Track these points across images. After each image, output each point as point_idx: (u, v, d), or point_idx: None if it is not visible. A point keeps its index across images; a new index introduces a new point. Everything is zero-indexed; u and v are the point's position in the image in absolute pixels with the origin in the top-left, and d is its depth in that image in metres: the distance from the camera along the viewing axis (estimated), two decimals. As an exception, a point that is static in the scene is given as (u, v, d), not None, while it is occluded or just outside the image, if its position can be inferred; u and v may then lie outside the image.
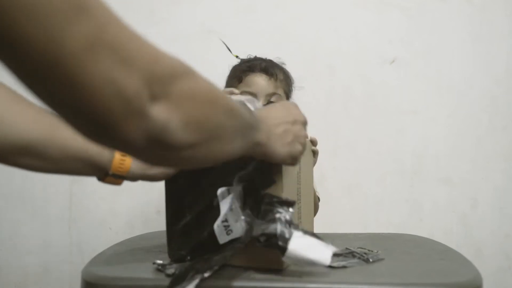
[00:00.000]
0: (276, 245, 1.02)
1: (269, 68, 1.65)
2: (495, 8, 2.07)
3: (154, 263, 1.16)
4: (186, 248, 1.16)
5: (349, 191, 2.10)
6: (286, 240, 1.01)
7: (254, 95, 1.60)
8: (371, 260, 1.21)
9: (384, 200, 2.09)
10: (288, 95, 1.73)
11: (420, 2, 2.08)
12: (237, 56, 1.78)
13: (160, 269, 1.13)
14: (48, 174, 1.04)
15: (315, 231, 1.48)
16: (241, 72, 1.67)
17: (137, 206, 2.10)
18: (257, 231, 1.03)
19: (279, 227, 1.02)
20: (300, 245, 1.01)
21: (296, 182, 1.23)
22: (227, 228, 1.09)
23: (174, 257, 1.20)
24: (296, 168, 1.22)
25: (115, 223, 2.11)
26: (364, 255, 1.24)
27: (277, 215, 1.03)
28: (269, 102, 1.62)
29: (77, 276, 2.06)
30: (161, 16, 2.09)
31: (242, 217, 1.07)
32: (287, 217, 1.04)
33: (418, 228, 2.01)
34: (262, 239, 1.03)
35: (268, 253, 1.06)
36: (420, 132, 2.09)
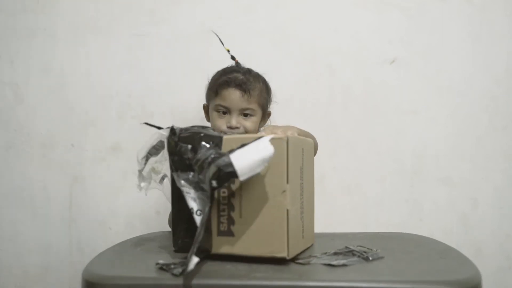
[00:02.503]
0: (226, 176, 1.10)
1: (244, 83, 1.70)
2: (495, 8, 2.07)
3: (157, 264, 1.16)
4: (190, 236, 1.20)
5: (349, 191, 2.10)
6: (229, 164, 1.09)
7: (228, 109, 1.70)
8: (370, 258, 1.21)
9: (384, 200, 2.09)
10: (264, 107, 1.78)
11: (420, 2, 2.08)
12: (228, 50, 1.81)
13: (165, 268, 1.14)
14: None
15: (316, 230, 1.49)
16: (218, 86, 1.73)
17: (137, 206, 2.10)
18: (206, 182, 1.12)
19: (216, 162, 1.11)
20: (242, 158, 1.10)
21: (299, 177, 1.26)
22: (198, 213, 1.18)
23: (178, 246, 1.27)
24: (299, 163, 1.25)
25: (115, 223, 2.11)
26: (363, 253, 1.24)
27: (210, 158, 1.14)
28: (244, 115, 1.70)
29: (77, 276, 2.07)
30: (161, 16, 2.09)
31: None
32: (218, 152, 1.15)
33: (418, 228, 2.02)
34: (214, 183, 1.11)
35: (261, 241, 1.15)
36: (420, 132, 2.09)
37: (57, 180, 2.10)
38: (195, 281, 1.09)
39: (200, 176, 1.17)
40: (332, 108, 2.09)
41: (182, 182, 1.21)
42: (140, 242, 1.48)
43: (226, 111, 1.70)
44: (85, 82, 2.09)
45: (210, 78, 1.79)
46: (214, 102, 1.73)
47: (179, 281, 1.09)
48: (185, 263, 1.09)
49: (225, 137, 1.23)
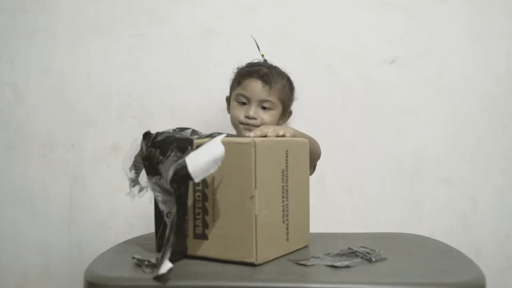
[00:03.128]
0: (182, 179, 1.12)
1: (266, 75, 1.71)
2: (495, 8, 2.07)
3: (133, 258, 1.19)
4: (163, 237, 1.22)
5: (349, 191, 2.10)
6: (184, 167, 1.10)
7: (248, 98, 1.71)
8: (373, 259, 1.21)
9: (384, 200, 2.09)
10: (285, 104, 1.78)
11: (420, 2, 2.08)
12: (263, 55, 1.83)
13: (139, 264, 1.17)
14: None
15: (316, 230, 1.49)
16: (241, 75, 1.75)
17: (137, 206, 2.09)
18: (167, 186, 1.15)
19: (174, 166, 1.13)
20: (195, 160, 1.11)
21: (280, 180, 1.25)
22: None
23: (158, 246, 1.31)
24: (281, 166, 1.26)
25: (115, 223, 2.11)
26: (366, 254, 1.24)
27: (171, 162, 1.17)
28: (263, 108, 1.71)
29: (77, 276, 2.08)
30: (161, 16, 2.09)
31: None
32: (177, 155, 1.18)
33: (418, 228, 2.02)
34: (173, 185, 1.13)
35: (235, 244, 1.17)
36: (420, 132, 2.09)
37: (57, 180, 2.10)
38: (196, 283, 1.09)
39: (163, 180, 1.20)
40: (332, 108, 2.09)
41: (153, 186, 1.24)
42: (141, 242, 1.47)
43: (246, 101, 1.71)
44: (85, 82, 2.09)
45: (235, 70, 1.80)
46: (235, 92, 1.74)
47: (180, 282, 1.10)
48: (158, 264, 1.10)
49: (195, 140, 1.24)
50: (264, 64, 1.79)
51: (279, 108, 1.74)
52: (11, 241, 2.11)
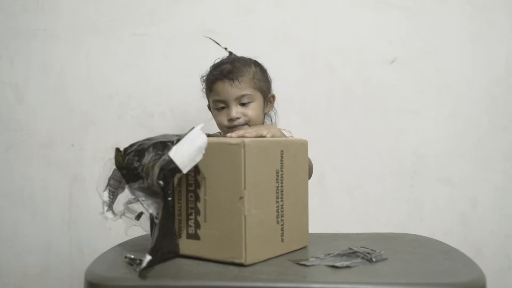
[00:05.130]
0: (170, 173, 1.14)
1: (230, 72, 1.67)
2: (495, 8, 2.07)
3: (125, 257, 1.20)
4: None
5: (349, 191, 2.10)
6: (170, 161, 1.13)
7: (224, 102, 1.67)
8: (374, 260, 1.21)
9: (384, 200, 2.10)
10: (263, 90, 1.72)
11: (420, 2, 2.08)
12: (226, 48, 1.80)
13: (131, 263, 1.18)
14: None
15: (316, 230, 1.49)
16: (210, 82, 1.72)
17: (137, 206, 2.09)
18: (155, 185, 1.16)
19: (158, 163, 1.15)
20: (180, 152, 1.15)
21: (274, 181, 1.25)
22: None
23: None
24: (275, 166, 1.26)
25: (115, 223, 2.08)
26: (367, 254, 1.24)
27: (152, 161, 1.18)
28: (242, 104, 1.67)
29: (77, 276, 2.08)
30: (161, 16, 2.09)
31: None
32: (157, 153, 1.18)
33: (418, 228, 2.02)
34: (161, 183, 1.14)
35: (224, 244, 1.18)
36: (420, 132, 2.09)
37: (57, 180, 2.10)
38: (196, 283, 1.09)
39: (148, 181, 1.19)
40: (332, 108, 2.09)
41: (136, 192, 1.24)
42: (141, 242, 1.47)
43: (224, 105, 1.68)
44: (85, 82, 2.09)
45: (203, 78, 1.78)
46: (211, 99, 1.72)
47: (180, 282, 1.10)
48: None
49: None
50: (227, 60, 1.74)
51: (259, 97, 1.70)
52: (11, 241, 2.11)
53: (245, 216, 1.16)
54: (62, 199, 2.10)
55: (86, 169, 2.10)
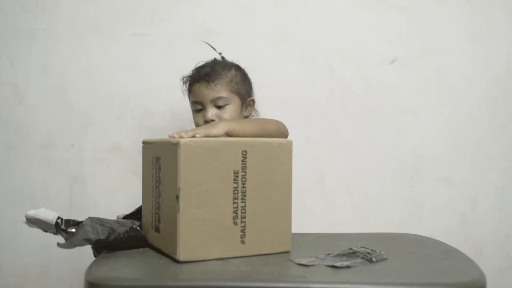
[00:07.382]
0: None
1: (207, 74, 1.70)
2: (495, 8, 2.07)
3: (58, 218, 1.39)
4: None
5: (349, 191, 2.10)
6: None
7: (201, 103, 1.71)
8: (374, 260, 1.21)
9: (384, 200, 2.10)
10: (241, 94, 1.74)
11: (420, 2, 2.08)
12: (220, 53, 1.82)
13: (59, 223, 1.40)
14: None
15: (316, 230, 1.49)
16: (188, 84, 1.78)
17: (137, 206, 2.09)
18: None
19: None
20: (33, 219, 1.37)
21: (232, 181, 1.26)
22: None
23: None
24: (233, 166, 1.26)
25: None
26: (367, 255, 1.24)
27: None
28: (218, 107, 1.69)
29: (77, 276, 2.08)
30: (161, 16, 2.09)
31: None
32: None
33: (418, 228, 2.02)
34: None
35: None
36: (420, 132, 2.09)
37: (57, 180, 2.10)
38: (196, 283, 1.09)
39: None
40: (332, 108, 2.09)
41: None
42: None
43: (201, 107, 1.71)
44: (85, 82, 2.09)
45: (184, 79, 1.81)
46: (190, 101, 1.76)
47: (180, 282, 1.11)
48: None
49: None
50: (209, 62, 1.77)
51: (235, 101, 1.71)
52: (11, 241, 2.11)
53: (180, 214, 1.21)
54: (62, 199, 2.10)
55: (86, 169, 2.10)
